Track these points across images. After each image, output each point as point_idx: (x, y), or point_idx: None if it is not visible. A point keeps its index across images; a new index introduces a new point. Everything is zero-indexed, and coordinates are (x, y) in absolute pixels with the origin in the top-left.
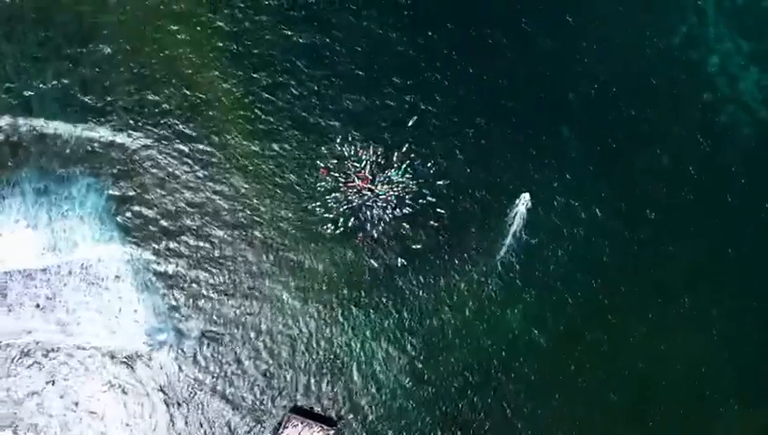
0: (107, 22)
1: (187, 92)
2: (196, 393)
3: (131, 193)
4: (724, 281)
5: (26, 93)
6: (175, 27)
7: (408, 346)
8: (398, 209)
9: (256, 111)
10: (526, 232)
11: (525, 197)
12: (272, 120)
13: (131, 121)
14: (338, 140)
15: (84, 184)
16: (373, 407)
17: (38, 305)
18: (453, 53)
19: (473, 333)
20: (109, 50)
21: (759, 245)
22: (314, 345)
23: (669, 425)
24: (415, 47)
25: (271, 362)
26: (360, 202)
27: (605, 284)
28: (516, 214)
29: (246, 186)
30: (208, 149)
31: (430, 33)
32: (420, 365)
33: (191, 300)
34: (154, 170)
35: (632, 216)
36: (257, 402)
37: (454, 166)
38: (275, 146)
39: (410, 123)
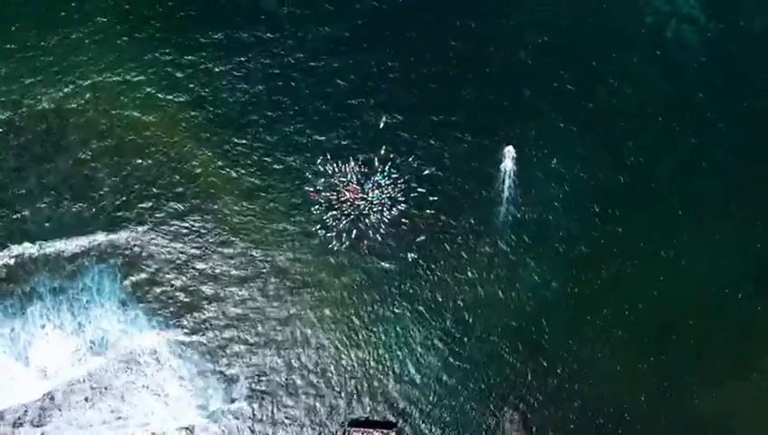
0: (75, 124)
1: (169, 172)
2: None
3: (144, 274)
4: (705, 191)
5: (19, 220)
6: (138, 114)
7: (439, 332)
8: (393, 209)
9: (237, 168)
10: (518, 189)
11: (509, 150)
12: (252, 170)
13: (124, 215)
14: (318, 163)
15: (96, 272)
16: (423, 398)
17: (86, 399)
18: (400, 43)
19: (495, 302)
20: (83, 154)
21: (736, 148)
22: (353, 358)
23: (694, 339)
24: (361, 54)
25: (318, 388)
26: (357, 213)
27: (605, 220)
28: (505, 172)
29: (248, 239)
30: (204, 217)
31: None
32: (454, 346)
33: (230, 359)
34: (160, 250)
35: (614, 151)
36: (317, 429)
37: (432, 151)
38: (263, 193)
39: (381, 125)
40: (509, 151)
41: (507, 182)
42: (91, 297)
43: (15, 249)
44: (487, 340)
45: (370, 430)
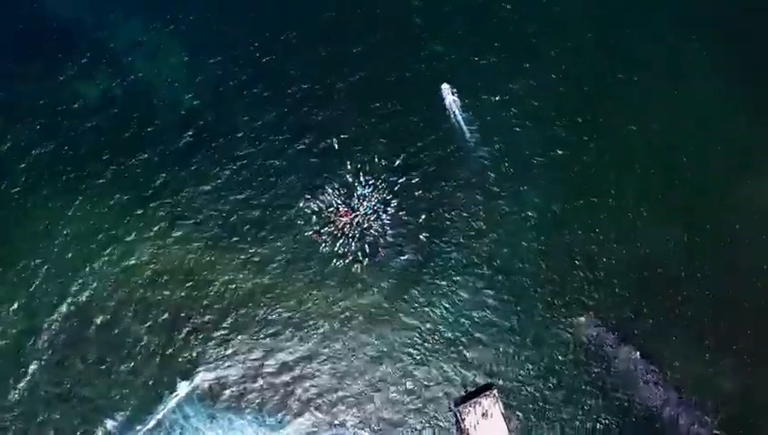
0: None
1: (200, 303)
2: None
3: (226, 390)
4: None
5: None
6: (125, 250)
7: (480, 286)
8: (387, 208)
9: (238, 253)
10: (474, 118)
11: (445, 87)
12: (248, 248)
13: (194, 359)
14: (302, 207)
15: (181, 414)
16: (497, 351)
17: None
18: (326, 58)
19: (513, 236)
20: (134, 326)
21: None
22: (429, 351)
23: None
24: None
25: (412, 393)
26: (359, 230)
27: (569, 122)
28: (452, 109)
29: (281, 309)
30: (250, 320)
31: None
32: (498, 291)
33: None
34: (231, 370)
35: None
36: (434, 426)
37: (388, 141)
38: (272, 265)
39: (336, 146)
40: (446, 89)
41: (460, 118)
42: (182, 428)
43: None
44: (524, 268)
45: (477, 400)
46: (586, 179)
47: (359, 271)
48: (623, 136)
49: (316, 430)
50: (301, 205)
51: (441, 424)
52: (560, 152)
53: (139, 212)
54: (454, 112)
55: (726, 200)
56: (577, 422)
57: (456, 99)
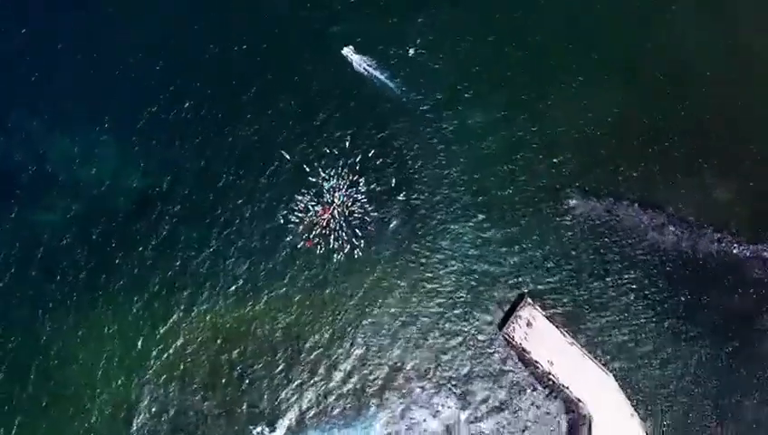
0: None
1: (222, 354)
2: None
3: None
4: None
5: None
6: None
7: (470, 215)
8: (361, 188)
9: (253, 300)
10: (384, 70)
11: (346, 50)
12: (260, 291)
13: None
14: (287, 219)
15: None
16: (514, 264)
17: None
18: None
19: (477, 164)
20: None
21: None
22: (449, 294)
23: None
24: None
25: (458, 335)
26: (343, 218)
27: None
28: (363, 69)
29: (316, 326)
30: (273, 359)
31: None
32: (492, 214)
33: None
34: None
35: None
36: (488, 351)
37: (330, 133)
38: (285, 291)
39: (287, 156)
40: (348, 51)
41: (373, 72)
42: None
43: None
44: (499, 183)
45: (516, 314)
46: (520, 76)
47: (360, 255)
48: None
49: (403, 405)
50: (282, 224)
51: (499, 350)
52: (478, 68)
53: (150, 305)
54: (366, 69)
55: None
56: (611, 291)
57: (361, 56)
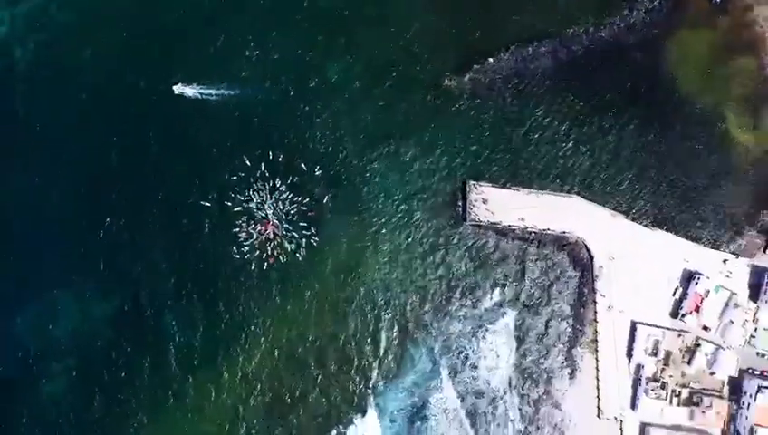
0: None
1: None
2: None
3: None
4: None
5: None
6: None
7: (401, 162)
8: (281, 188)
9: (242, 339)
10: (220, 85)
11: (175, 88)
12: (240, 327)
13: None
14: (238, 259)
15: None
16: (438, 162)
17: None
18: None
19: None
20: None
21: None
22: (413, 225)
23: None
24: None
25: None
26: (285, 222)
27: None
28: (199, 96)
29: (317, 332)
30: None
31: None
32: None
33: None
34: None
35: None
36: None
37: (220, 159)
38: (266, 318)
39: (208, 203)
40: (178, 88)
41: (213, 92)
42: None
43: None
44: (411, 120)
45: (468, 200)
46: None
47: (317, 240)
48: None
49: (444, 336)
50: (240, 259)
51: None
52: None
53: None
54: (201, 94)
55: None
56: (532, 133)
57: (191, 85)
